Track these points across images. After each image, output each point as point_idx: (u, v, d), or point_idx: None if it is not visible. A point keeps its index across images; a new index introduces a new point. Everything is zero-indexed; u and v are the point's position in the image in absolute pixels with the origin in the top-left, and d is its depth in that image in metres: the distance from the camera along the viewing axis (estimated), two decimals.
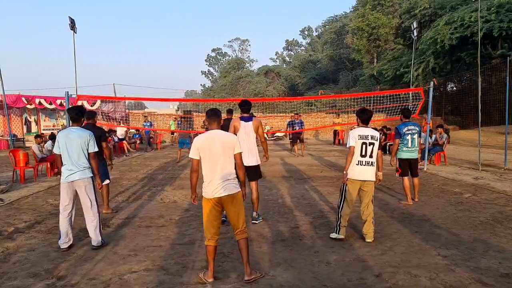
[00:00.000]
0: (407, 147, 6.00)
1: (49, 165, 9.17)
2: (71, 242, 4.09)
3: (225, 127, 8.65)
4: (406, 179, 6.01)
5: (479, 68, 9.99)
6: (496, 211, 5.46)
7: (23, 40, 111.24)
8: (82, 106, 4.45)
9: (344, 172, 4.30)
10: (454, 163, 10.71)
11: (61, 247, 4.02)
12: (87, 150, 4.12)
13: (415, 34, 19.32)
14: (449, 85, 24.24)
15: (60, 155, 4.08)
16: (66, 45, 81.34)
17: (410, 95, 16.83)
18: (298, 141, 13.37)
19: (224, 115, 9.17)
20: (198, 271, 3.43)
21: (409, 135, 5.97)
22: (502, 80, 15.94)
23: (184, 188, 7.59)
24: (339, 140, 18.87)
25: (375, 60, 29.40)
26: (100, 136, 5.32)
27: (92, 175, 4.16)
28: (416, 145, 6.04)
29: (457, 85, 23.92)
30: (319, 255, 3.83)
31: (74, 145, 4.04)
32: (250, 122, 4.99)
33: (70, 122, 4.28)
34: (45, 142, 9.68)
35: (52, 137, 10.12)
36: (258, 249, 4.03)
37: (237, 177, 3.39)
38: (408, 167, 6.08)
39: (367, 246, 4.08)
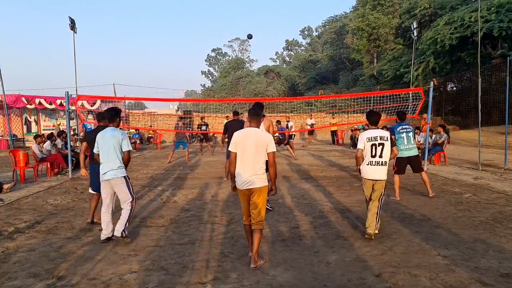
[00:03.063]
0: (403, 145, 6.28)
1: (49, 165, 9.17)
2: (110, 235, 4.30)
3: (234, 127, 8.54)
4: (398, 176, 6.38)
5: (479, 68, 9.98)
6: (496, 211, 5.46)
7: (23, 40, 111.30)
8: (117, 108, 4.63)
9: (357, 170, 4.68)
10: (454, 163, 10.71)
11: (100, 238, 4.30)
12: (121, 149, 4.26)
13: (415, 34, 19.32)
14: (449, 85, 24.25)
15: (98, 154, 4.34)
16: (66, 45, 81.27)
17: (410, 95, 16.83)
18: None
19: (230, 116, 9.10)
20: (198, 271, 3.44)
21: (404, 133, 6.28)
22: (502, 80, 15.96)
23: (184, 188, 7.60)
24: (338, 141, 18.87)
25: (375, 60, 29.40)
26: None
27: (125, 174, 4.31)
28: (412, 142, 6.33)
29: (457, 85, 23.93)
30: (319, 255, 3.83)
31: (107, 145, 4.23)
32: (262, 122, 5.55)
33: (106, 122, 4.51)
34: (45, 142, 9.67)
35: (50, 137, 10.11)
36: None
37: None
38: (406, 165, 6.36)
39: (367, 246, 4.08)
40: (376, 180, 4.39)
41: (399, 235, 4.43)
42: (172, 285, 3.19)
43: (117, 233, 4.22)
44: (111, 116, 4.38)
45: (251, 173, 3.50)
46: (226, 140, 8.33)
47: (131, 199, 4.30)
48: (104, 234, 4.30)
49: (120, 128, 4.49)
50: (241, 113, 15.13)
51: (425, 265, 3.54)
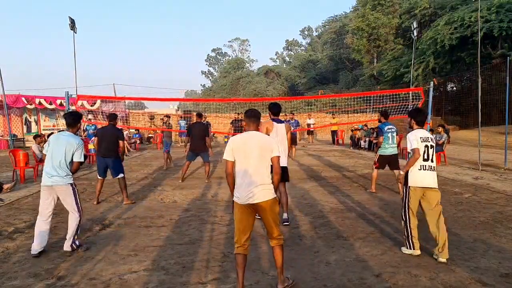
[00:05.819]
0: (388, 144, 6.78)
1: None
2: (42, 249, 3.88)
3: (196, 130, 8.41)
4: (377, 171, 7.03)
5: (479, 68, 9.99)
6: (496, 211, 5.46)
7: (23, 40, 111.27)
8: (78, 112, 4.39)
9: (401, 173, 3.98)
10: (454, 163, 10.71)
11: (31, 253, 3.82)
12: (72, 158, 3.99)
13: (415, 34, 19.33)
14: (449, 85, 24.26)
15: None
16: (66, 45, 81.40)
17: (410, 95, 16.84)
18: None
19: (197, 118, 8.84)
20: (198, 271, 3.43)
21: (389, 133, 6.78)
22: (502, 80, 15.94)
23: (184, 188, 7.60)
24: (338, 141, 18.88)
25: (375, 60, 29.42)
26: (119, 136, 6.26)
27: (72, 181, 4.01)
28: (394, 142, 6.86)
29: (457, 85, 23.93)
30: (319, 255, 3.83)
31: (60, 150, 3.95)
32: (283, 124, 5.11)
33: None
34: (45, 142, 9.67)
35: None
36: (259, 249, 4.03)
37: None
38: (387, 162, 6.85)
39: (367, 246, 4.08)
40: (429, 188, 3.77)
41: (399, 235, 4.42)
42: (172, 285, 3.19)
43: (65, 249, 3.89)
44: (71, 121, 4.13)
45: (257, 184, 2.93)
46: (189, 142, 8.14)
47: (76, 213, 3.99)
48: (36, 250, 3.79)
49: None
50: (239, 114, 15.01)
51: (425, 265, 3.54)
